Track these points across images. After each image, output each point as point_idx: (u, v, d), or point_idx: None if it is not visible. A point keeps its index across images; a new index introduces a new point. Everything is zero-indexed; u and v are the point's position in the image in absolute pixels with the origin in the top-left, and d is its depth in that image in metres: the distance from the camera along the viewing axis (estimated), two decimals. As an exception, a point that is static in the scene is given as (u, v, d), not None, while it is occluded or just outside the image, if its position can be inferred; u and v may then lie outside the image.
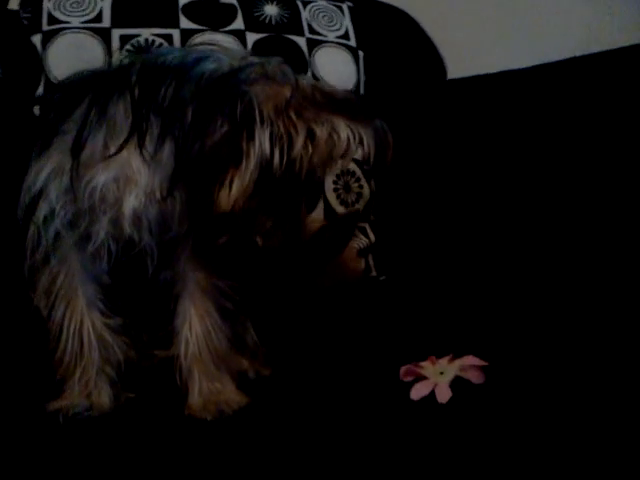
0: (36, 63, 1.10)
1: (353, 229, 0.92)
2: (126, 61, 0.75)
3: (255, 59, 0.71)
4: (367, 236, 1.19)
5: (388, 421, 0.68)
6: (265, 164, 0.67)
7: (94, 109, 0.70)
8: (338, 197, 1.17)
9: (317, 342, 0.85)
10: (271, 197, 0.70)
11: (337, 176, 1.17)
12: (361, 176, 1.20)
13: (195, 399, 0.72)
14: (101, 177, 0.69)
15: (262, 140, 0.67)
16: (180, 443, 0.65)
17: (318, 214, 1.14)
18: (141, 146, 0.68)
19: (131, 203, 0.69)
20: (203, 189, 0.69)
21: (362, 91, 1.23)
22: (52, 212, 0.70)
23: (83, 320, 0.72)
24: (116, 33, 1.11)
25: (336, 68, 1.21)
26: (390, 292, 1.09)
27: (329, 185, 1.16)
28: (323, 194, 1.15)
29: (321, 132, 0.68)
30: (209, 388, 0.72)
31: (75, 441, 0.65)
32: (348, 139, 0.68)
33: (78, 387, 0.71)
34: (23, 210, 0.71)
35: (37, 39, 1.10)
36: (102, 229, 0.70)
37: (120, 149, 0.69)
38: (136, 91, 0.69)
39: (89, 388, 0.71)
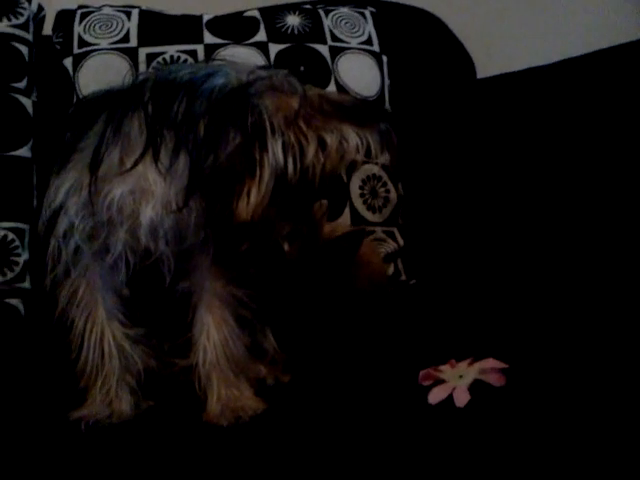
0: (68, 85, 1.14)
1: (357, 247, 0.92)
2: (140, 78, 0.77)
3: (262, 72, 0.73)
4: (395, 240, 1.18)
5: (405, 426, 0.68)
6: (280, 173, 0.69)
7: (110, 126, 0.72)
8: (365, 202, 1.17)
9: (339, 347, 0.85)
10: (288, 204, 0.72)
11: (363, 181, 1.17)
12: (387, 180, 1.19)
13: (213, 406, 0.73)
14: (118, 190, 0.71)
15: (275, 150, 0.69)
16: (196, 449, 0.66)
17: (345, 220, 1.15)
18: (156, 160, 0.71)
19: (148, 214, 0.71)
20: (221, 200, 0.71)
21: (387, 95, 1.23)
22: (72, 226, 0.72)
23: (104, 331, 0.74)
24: (143, 52, 1.15)
25: (359, 74, 1.21)
26: (418, 296, 1.09)
27: (355, 191, 1.16)
28: (349, 200, 1.16)
29: (331, 140, 0.70)
30: (227, 395, 0.73)
31: (96, 448, 0.67)
32: (357, 145, 0.70)
33: (99, 396, 0.73)
34: (44, 225, 0.74)
35: (68, 62, 1.15)
36: (119, 241, 0.72)
37: (136, 164, 0.71)
38: (149, 107, 0.72)
39: (110, 396, 0.73)
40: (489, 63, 1.33)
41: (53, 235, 0.73)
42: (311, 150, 0.69)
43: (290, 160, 0.69)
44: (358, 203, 1.16)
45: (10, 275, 1.04)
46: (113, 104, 0.74)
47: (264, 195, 0.69)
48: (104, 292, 0.75)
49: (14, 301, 1.04)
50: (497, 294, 1.03)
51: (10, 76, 1.11)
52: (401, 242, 1.19)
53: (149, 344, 0.77)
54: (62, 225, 0.72)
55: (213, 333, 0.75)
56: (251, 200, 0.69)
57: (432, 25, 1.38)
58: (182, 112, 0.70)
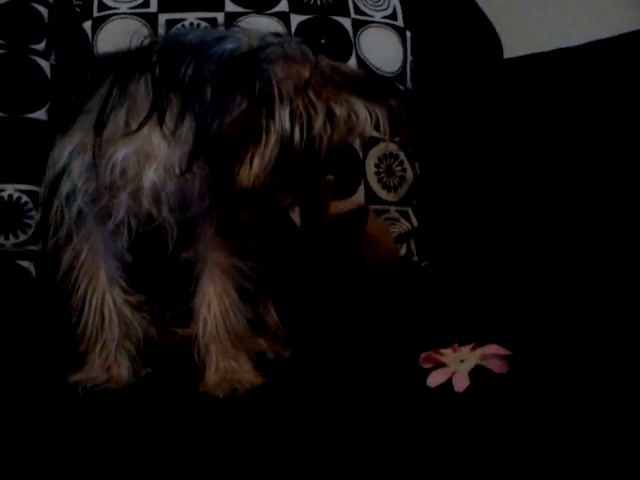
0: (86, 49, 1.14)
1: (362, 225, 0.91)
2: (147, 41, 0.76)
3: (274, 39, 0.71)
4: (409, 221, 1.17)
5: (401, 407, 0.67)
6: (286, 141, 0.68)
7: (116, 88, 0.71)
8: (380, 181, 1.15)
9: (343, 325, 0.84)
10: (291, 174, 0.70)
11: (379, 159, 1.15)
12: (404, 159, 1.17)
13: (211, 377, 0.73)
14: (122, 152, 0.70)
15: (282, 117, 0.67)
16: (189, 418, 0.66)
17: (359, 197, 1.13)
18: (161, 122, 0.70)
19: (150, 177, 0.70)
20: (224, 165, 0.70)
21: (408, 72, 1.21)
22: (74, 189, 0.72)
23: (104, 296, 0.74)
24: (162, 17, 1.14)
25: (381, 49, 1.19)
26: (429, 278, 1.07)
27: (371, 168, 1.15)
28: (364, 177, 1.14)
29: (340, 111, 0.68)
30: (225, 366, 0.73)
31: (91, 412, 0.67)
32: (366, 119, 0.68)
33: (98, 361, 0.73)
34: (47, 187, 0.74)
35: (88, 25, 1.14)
36: (122, 204, 0.72)
37: (141, 126, 0.70)
38: (157, 70, 0.71)
39: (109, 362, 0.73)
40: (517, 43, 1.29)
41: (56, 197, 0.73)
42: (319, 120, 0.68)
43: (297, 129, 0.67)
44: (373, 181, 1.14)
45: (22, 237, 1.05)
46: (120, 66, 0.73)
47: (267, 162, 0.68)
48: (106, 257, 0.74)
49: (25, 263, 1.05)
50: (509, 280, 1.01)
51: (29, 37, 1.11)
52: (415, 223, 1.17)
53: (150, 312, 0.76)
54: (65, 187, 0.72)
55: (214, 304, 0.74)
56: (254, 166, 0.68)
57: (460, 1, 1.35)
58: (189, 75, 0.69)
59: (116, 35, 1.14)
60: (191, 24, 1.13)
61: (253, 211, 0.73)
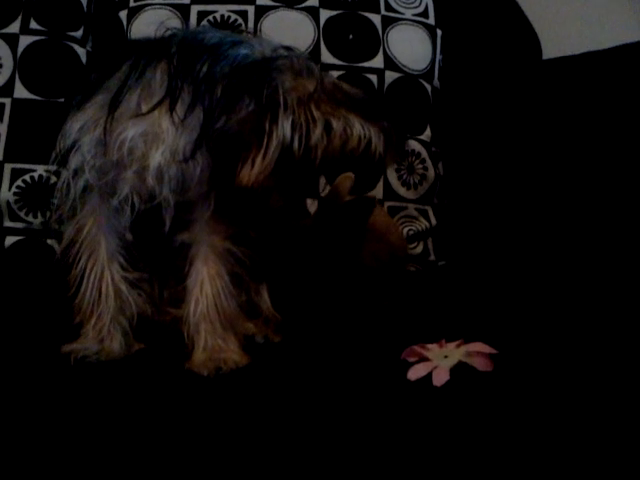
0: (121, 37, 1.18)
1: (367, 216, 0.92)
2: (168, 33, 0.78)
3: (284, 52, 0.76)
4: (428, 219, 1.16)
5: (379, 398, 0.67)
6: (285, 147, 0.72)
7: (134, 72, 0.75)
8: (400, 178, 1.15)
9: (337, 315, 0.85)
10: (287, 178, 0.74)
11: (400, 156, 1.15)
12: (427, 158, 1.17)
13: (198, 355, 0.75)
14: (131, 132, 0.73)
15: (284, 125, 0.72)
16: (170, 393, 0.68)
17: (377, 193, 1.13)
18: (172, 109, 0.73)
19: (156, 158, 0.73)
20: (227, 161, 0.73)
21: (436, 70, 1.20)
22: (83, 163, 0.75)
23: (103, 271, 0.76)
24: (194, 9, 1.17)
25: (410, 46, 1.18)
26: (441, 277, 1.06)
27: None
28: (384, 173, 1.14)
29: (337, 125, 0.73)
30: (212, 345, 0.75)
31: (79, 381, 0.70)
32: (360, 136, 0.73)
33: (92, 332, 0.76)
34: (57, 160, 0.77)
35: (124, 15, 1.18)
36: (127, 182, 0.74)
37: (152, 109, 0.73)
38: (174, 60, 0.74)
39: (102, 334, 0.76)
40: (558, 43, 1.26)
41: (65, 170, 0.76)
42: (317, 132, 0.72)
43: (297, 137, 0.72)
44: (392, 177, 1.14)
45: (49, 216, 1.09)
46: (140, 51, 0.77)
47: (267, 165, 0.72)
48: (107, 234, 0.77)
49: (51, 241, 1.10)
50: (523, 284, 0.99)
51: (68, 25, 1.16)
52: (434, 222, 1.16)
53: (146, 290, 0.79)
54: (74, 161, 0.75)
55: (206, 286, 0.76)
56: (255, 167, 0.72)
57: (500, 1, 1.33)
58: (204, 72, 0.73)
59: (149, 25, 1.17)
60: (222, 16, 1.16)
61: (247, 207, 0.76)
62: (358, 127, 0.72)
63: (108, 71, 0.77)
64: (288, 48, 0.77)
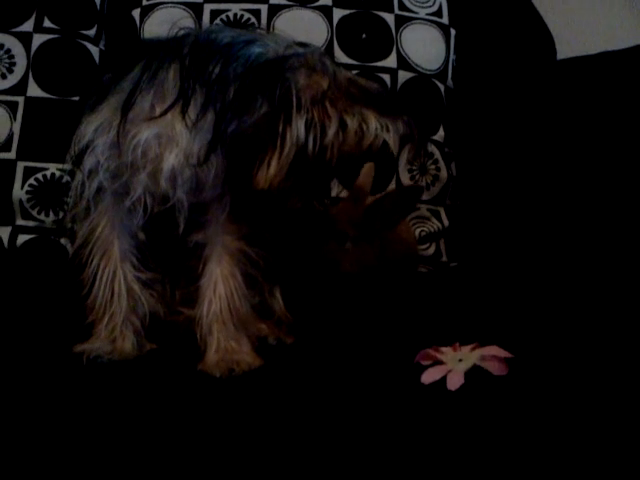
0: (134, 36, 1.18)
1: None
2: (181, 33, 0.78)
3: (299, 49, 0.74)
4: (440, 220, 1.15)
5: (393, 401, 0.66)
6: (300, 148, 0.71)
7: (146, 73, 0.74)
8: (412, 178, 1.14)
9: (351, 317, 0.84)
10: (304, 179, 0.73)
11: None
12: (440, 158, 1.16)
13: (210, 356, 0.74)
14: (145, 134, 0.73)
15: (298, 126, 0.70)
16: (183, 394, 0.67)
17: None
18: (184, 112, 0.72)
19: (170, 161, 0.73)
20: (242, 165, 0.72)
21: (450, 70, 1.19)
22: (97, 164, 0.74)
23: (116, 271, 0.76)
24: (207, 8, 1.16)
25: (423, 46, 1.18)
26: (453, 278, 1.05)
27: (403, 165, 1.14)
28: (396, 173, 1.13)
29: (352, 123, 0.71)
30: (225, 347, 0.74)
31: (91, 381, 0.70)
32: (376, 132, 0.71)
33: (104, 332, 0.76)
34: (72, 161, 0.77)
35: (137, 13, 1.18)
36: (140, 183, 0.74)
37: (165, 112, 0.72)
38: (186, 62, 0.73)
39: (114, 334, 0.75)
40: (572, 43, 1.25)
41: (80, 171, 0.75)
42: (332, 130, 0.71)
43: (311, 137, 0.71)
44: (404, 177, 1.14)
45: (61, 215, 1.09)
46: (152, 52, 0.76)
47: (283, 167, 0.71)
48: (121, 234, 0.76)
49: (63, 240, 1.10)
50: (536, 286, 0.98)
51: (81, 23, 1.16)
52: (446, 223, 1.15)
53: (159, 290, 0.79)
54: (88, 162, 0.75)
55: (220, 287, 0.75)
56: (271, 169, 0.71)
57: (515, 1, 1.31)
58: (216, 73, 0.72)
59: (162, 24, 1.16)
60: (235, 15, 1.16)
61: (264, 210, 0.76)
62: (374, 122, 0.71)
63: (121, 72, 0.77)
64: (303, 44, 0.75)
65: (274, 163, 0.71)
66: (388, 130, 0.71)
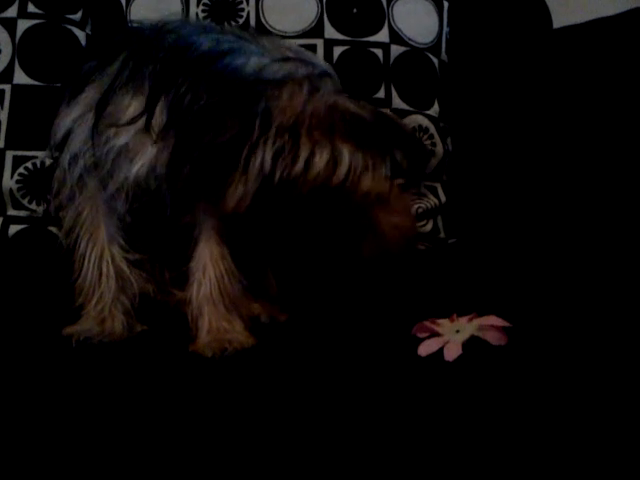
0: (120, 20, 1.16)
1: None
2: (166, 28, 0.75)
3: (286, 65, 0.70)
4: (437, 197, 1.13)
5: (389, 374, 0.65)
6: (265, 178, 0.68)
7: (125, 70, 0.73)
8: (408, 154, 1.12)
9: (348, 295, 0.83)
10: (273, 203, 0.70)
11: (408, 132, 1.12)
12: (435, 133, 1.14)
13: (203, 337, 0.73)
14: (114, 141, 0.72)
15: (265, 154, 0.68)
16: (175, 376, 0.66)
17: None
18: (147, 127, 0.70)
19: (137, 169, 0.72)
20: (210, 186, 0.70)
21: (443, 43, 1.17)
22: (76, 155, 0.74)
23: (103, 252, 0.75)
24: (196, -12, 1.14)
25: (416, 19, 1.15)
26: (452, 254, 1.04)
27: (398, 140, 1.12)
28: (391, 151, 1.11)
29: (320, 158, 0.68)
30: (217, 327, 0.73)
31: (80, 363, 0.69)
32: (348, 169, 0.68)
33: (93, 313, 0.75)
34: (52, 151, 0.76)
35: (122, -5, 1.16)
36: (119, 177, 0.73)
37: (130, 122, 0.71)
38: (158, 67, 0.71)
39: (103, 314, 0.74)
40: (568, 11, 1.22)
41: (61, 159, 0.74)
42: (300, 162, 0.68)
43: (280, 166, 0.68)
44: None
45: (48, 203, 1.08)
46: (134, 47, 0.75)
47: (248, 192, 0.69)
48: (107, 217, 0.76)
49: (54, 229, 1.08)
50: (534, 260, 0.96)
51: (66, 7, 1.14)
52: (443, 199, 1.13)
53: (148, 269, 0.77)
54: (67, 155, 0.74)
55: (209, 268, 0.74)
56: (237, 193, 0.69)
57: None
58: (185, 87, 0.69)
59: (149, 7, 1.16)
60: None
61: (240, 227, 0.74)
62: (347, 159, 0.67)
63: (102, 63, 0.76)
64: (298, 53, 0.73)
65: (240, 188, 0.69)
66: (362, 166, 0.68)
